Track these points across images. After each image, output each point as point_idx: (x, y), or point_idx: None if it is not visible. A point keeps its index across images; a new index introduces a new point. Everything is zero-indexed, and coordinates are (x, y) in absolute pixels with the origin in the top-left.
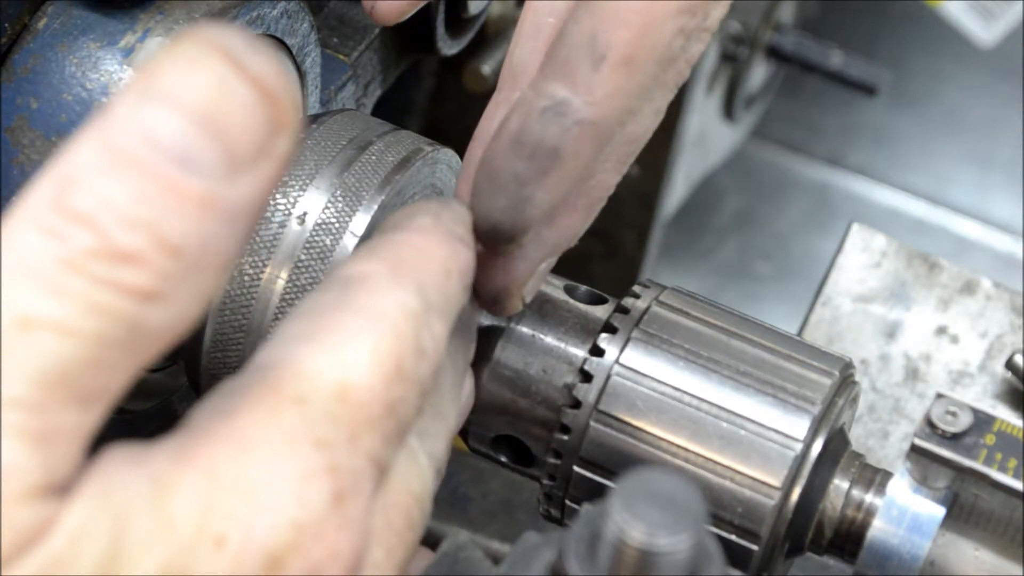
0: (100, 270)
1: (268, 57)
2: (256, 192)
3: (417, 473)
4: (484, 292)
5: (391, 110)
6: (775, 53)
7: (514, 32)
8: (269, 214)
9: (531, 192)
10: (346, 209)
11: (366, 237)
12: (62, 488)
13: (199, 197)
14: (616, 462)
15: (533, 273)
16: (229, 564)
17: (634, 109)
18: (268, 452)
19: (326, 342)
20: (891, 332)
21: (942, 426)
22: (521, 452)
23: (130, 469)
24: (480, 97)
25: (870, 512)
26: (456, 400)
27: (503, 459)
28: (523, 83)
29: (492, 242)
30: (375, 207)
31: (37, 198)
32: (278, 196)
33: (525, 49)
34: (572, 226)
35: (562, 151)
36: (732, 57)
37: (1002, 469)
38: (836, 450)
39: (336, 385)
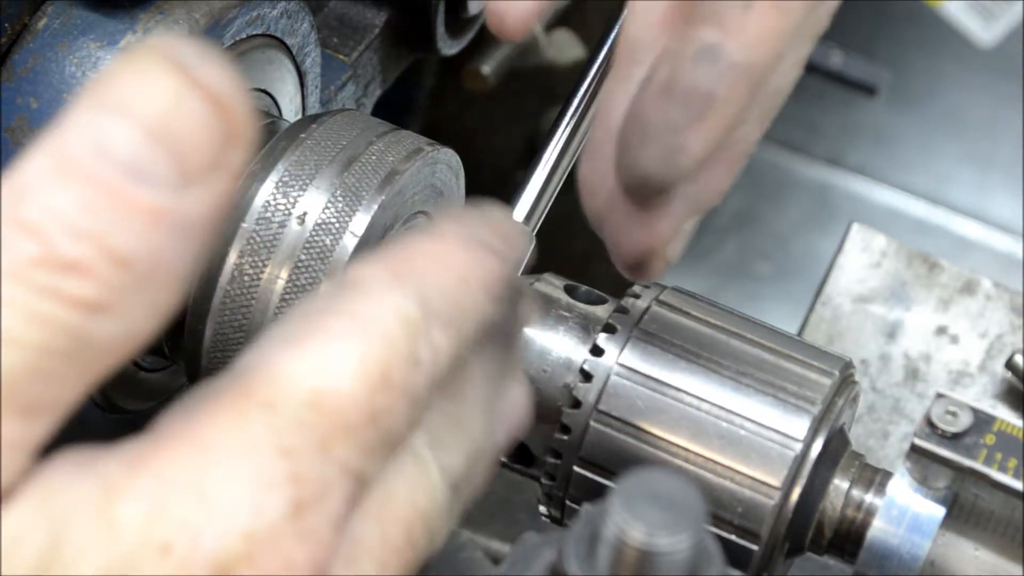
0: (43, 279)
1: (222, 69)
2: (209, 204)
3: (425, 487)
4: (626, 255)
5: (391, 110)
6: None
7: (625, 8)
8: (269, 214)
9: (685, 139)
10: (346, 209)
11: (366, 237)
12: (4, 496)
13: (149, 208)
14: (616, 462)
15: (677, 231)
16: (174, 571)
17: (782, 54)
18: (226, 457)
19: (307, 346)
20: (891, 332)
21: (942, 426)
22: (521, 452)
23: (79, 473)
24: (480, 97)
25: (870, 512)
26: (484, 413)
27: (503, 459)
28: (643, 57)
29: (641, 195)
30: (375, 207)
31: None
32: (278, 196)
33: (641, 23)
34: (716, 181)
35: (716, 96)
36: None
37: (1002, 469)
38: (836, 450)
39: (310, 391)
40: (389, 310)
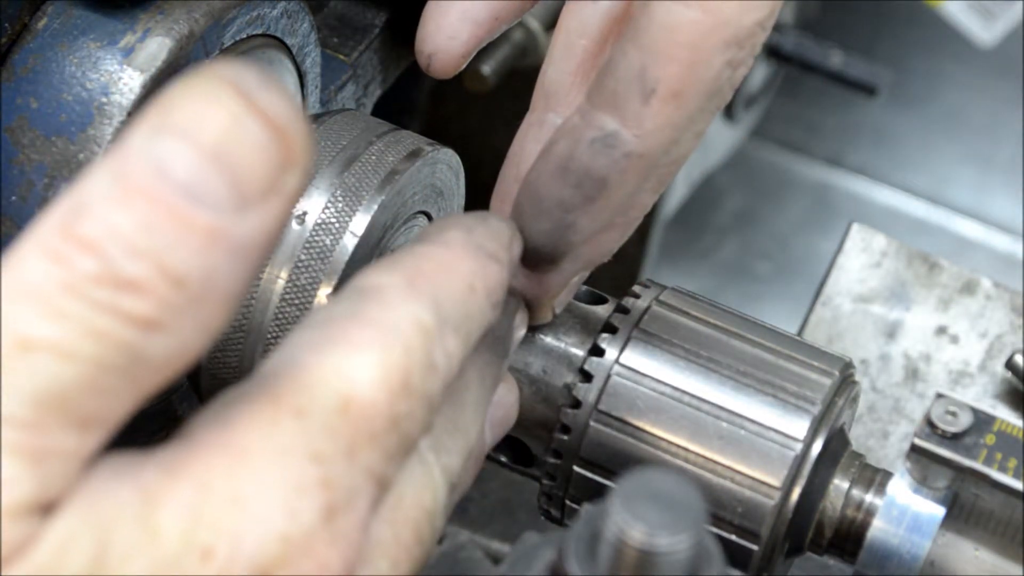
0: (101, 296)
1: (281, 94)
2: (264, 228)
3: (430, 488)
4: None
5: (391, 110)
6: (775, 53)
7: (547, 53)
8: None
9: (575, 219)
10: (346, 209)
11: (366, 237)
12: (55, 504)
13: (206, 230)
14: (616, 462)
15: (565, 285)
16: (216, 574)
17: (679, 139)
18: (261, 464)
19: (332, 353)
20: (891, 332)
21: (942, 426)
22: (521, 452)
23: (120, 480)
24: (480, 97)
25: (870, 512)
26: (479, 417)
27: (503, 459)
28: (556, 105)
29: (532, 263)
30: (375, 207)
31: (47, 225)
32: None
33: (558, 70)
34: (608, 243)
35: (609, 181)
36: None
37: (1002, 469)
38: (836, 450)
39: (338, 398)
40: (407, 319)
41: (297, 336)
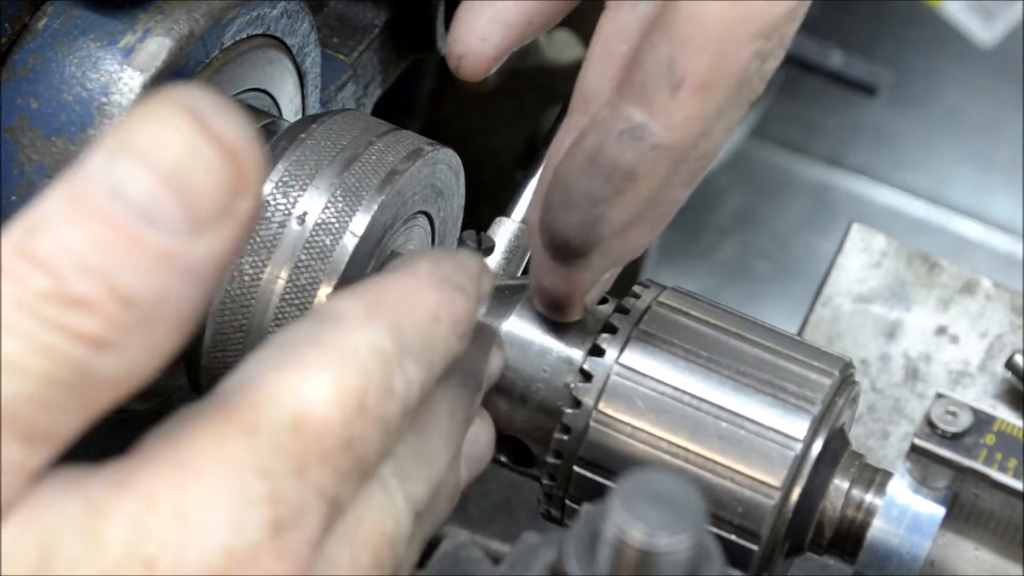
0: (51, 313)
1: (236, 120)
2: (217, 251)
3: (392, 513)
4: (546, 298)
5: (391, 110)
6: None
7: (585, 57)
8: (269, 214)
9: (604, 211)
10: (346, 209)
11: (366, 237)
12: (3, 514)
13: (158, 251)
14: (616, 462)
15: (596, 282)
16: None
17: (709, 131)
18: (208, 479)
19: (287, 373)
20: (891, 332)
21: (942, 426)
22: (521, 452)
23: (67, 493)
24: (480, 97)
25: (870, 512)
26: (448, 449)
27: (503, 459)
28: (595, 109)
29: (561, 256)
30: (375, 207)
31: (4, 243)
32: (278, 196)
33: (596, 75)
34: (639, 238)
35: (638, 173)
36: None
37: (1002, 469)
38: (836, 450)
39: (290, 416)
40: (365, 343)
41: (255, 356)
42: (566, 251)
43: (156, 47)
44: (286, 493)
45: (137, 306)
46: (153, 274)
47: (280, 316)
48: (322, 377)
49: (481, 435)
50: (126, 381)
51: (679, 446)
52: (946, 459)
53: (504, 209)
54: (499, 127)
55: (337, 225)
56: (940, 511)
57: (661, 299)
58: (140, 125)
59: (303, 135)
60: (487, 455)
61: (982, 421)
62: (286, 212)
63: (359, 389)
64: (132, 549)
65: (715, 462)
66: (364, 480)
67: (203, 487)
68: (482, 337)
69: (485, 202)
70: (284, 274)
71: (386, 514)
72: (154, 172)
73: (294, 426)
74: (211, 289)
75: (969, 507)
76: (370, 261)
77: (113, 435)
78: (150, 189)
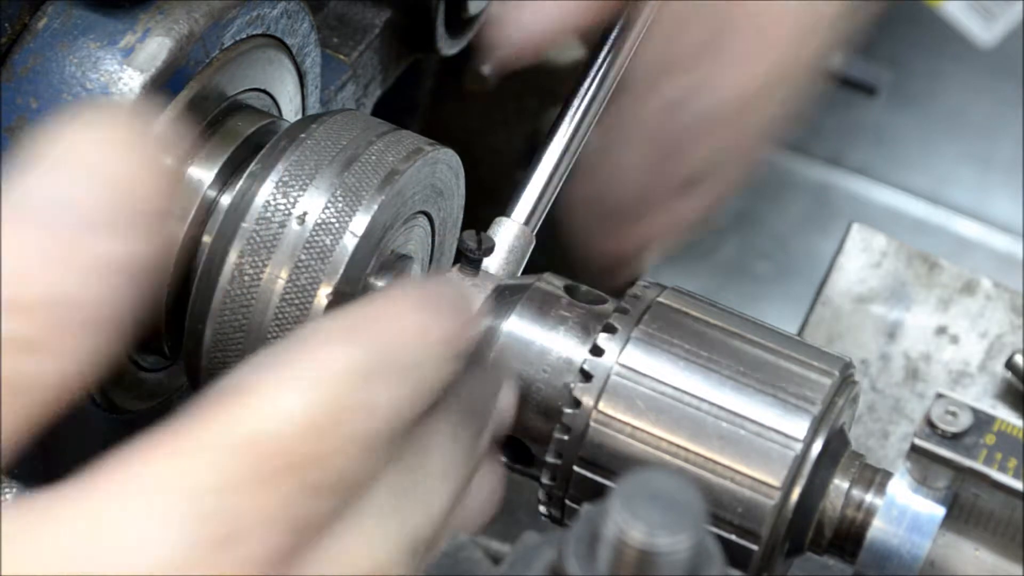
0: None
1: (149, 134)
2: (149, 251)
3: (383, 545)
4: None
5: (391, 110)
6: None
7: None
8: (269, 214)
9: (651, 179)
10: (346, 209)
11: (366, 237)
12: None
13: (89, 253)
14: (616, 462)
15: (647, 247)
16: None
17: (753, 104)
18: (152, 493)
19: (254, 390)
20: (891, 332)
21: (942, 426)
22: (521, 452)
23: (9, 509)
24: (480, 97)
25: (870, 512)
26: (446, 488)
27: (503, 459)
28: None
29: (613, 223)
30: (375, 207)
31: None
32: (278, 196)
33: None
34: (685, 208)
35: (682, 142)
36: None
37: (1002, 469)
38: (836, 450)
39: (248, 432)
40: (341, 358)
41: (224, 379)
42: (618, 217)
43: (156, 47)
44: (235, 507)
45: (68, 308)
46: (84, 276)
47: (280, 316)
48: (292, 393)
49: (489, 484)
50: (60, 384)
51: (679, 446)
52: (946, 459)
53: (504, 209)
54: (499, 127)
55: (337, 225)
56: (940, 511)
57: (661, 299)
58: (69, 134)
59: (303, 135)
60: (491, 505)
61: (982, 421)
62: (286, 212)
63: (331, 404)
64: (68, 563)
65: (715, 462)
66: (348, 501)
67: (151, 501)
68: (492, 374)
69: (485, 202)
70: (284, 274)
71: (376, 544)
72: (83, 175)
73: (251, 441)
74: (145, 290)
75: (969, 507)
76: (370, 261)
77: (113, 435)
78: (79, 191)
